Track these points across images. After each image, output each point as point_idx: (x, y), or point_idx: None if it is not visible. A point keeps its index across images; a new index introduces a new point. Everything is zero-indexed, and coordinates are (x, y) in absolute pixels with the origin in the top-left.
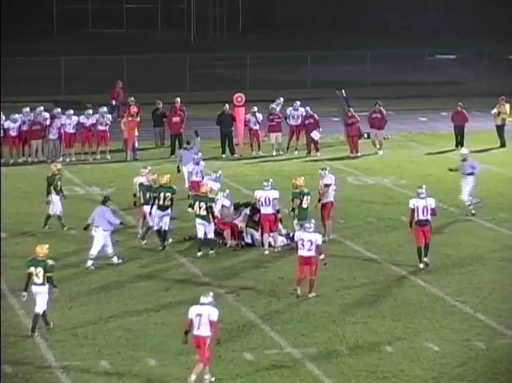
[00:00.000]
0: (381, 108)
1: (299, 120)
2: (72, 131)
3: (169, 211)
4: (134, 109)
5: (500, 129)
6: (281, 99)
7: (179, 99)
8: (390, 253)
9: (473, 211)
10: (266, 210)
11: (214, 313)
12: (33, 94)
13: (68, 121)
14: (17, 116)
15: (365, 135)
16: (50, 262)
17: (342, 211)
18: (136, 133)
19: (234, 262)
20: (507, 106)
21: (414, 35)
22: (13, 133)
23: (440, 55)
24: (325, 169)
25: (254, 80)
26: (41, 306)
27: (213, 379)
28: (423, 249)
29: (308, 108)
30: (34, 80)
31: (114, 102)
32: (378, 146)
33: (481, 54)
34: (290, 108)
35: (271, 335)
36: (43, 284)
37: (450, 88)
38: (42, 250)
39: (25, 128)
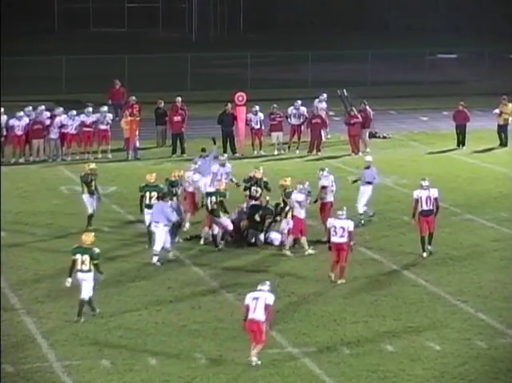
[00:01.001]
0: (366, 107)
1: (300, 120)
2: (74, 131)
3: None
4: (136, 109)
5: (502, 129)
6: (325, 95)
7: (179, 98)
8: (391, 252)
9: (362, 222)
10: (296, 212)
11: (270, 298)
12: (35, 93)
13: (71, 122)
14: (21, 113)
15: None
16: (96, 249)
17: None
18: (137, 133)
19: (235, 262)
20: (510, 106)
21: (415, 34)
22: (18, 132)
23: (441, 54)
24: (323, 170)
25: (255, 79)
26: (86, 293)
27: (259, 362)
28: (427, 238)
29: (317, 107)
30: (35, 79)
31: (110, 102)
32: (362, 145)
33: (482, 54)
34: (291, 108)
35: (272, 334)
36: (89, 271)
37: (451, 87)
38: (89, 238)
39: (28, 127)
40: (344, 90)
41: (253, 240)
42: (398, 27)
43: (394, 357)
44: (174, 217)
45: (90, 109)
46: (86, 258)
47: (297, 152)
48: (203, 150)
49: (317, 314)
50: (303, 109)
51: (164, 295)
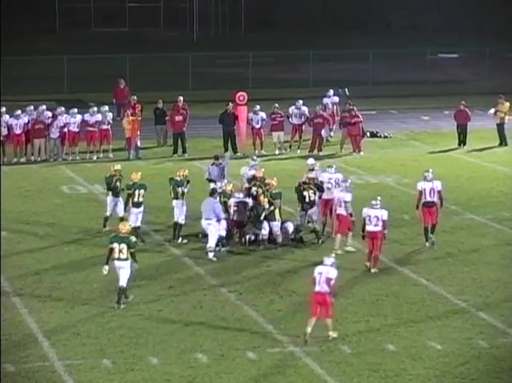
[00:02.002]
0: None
1: (301, 119)
2: (76, 130)
3: (142, 208)
4: (138, 108)
5: (499, 128)
6: (331, 91)
7: (181, 98)
8: (392, 252)
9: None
10: (341, 211)
11: (332, 272)
12: (36, 93)
13: (73, 120)
14: (19, 112)
15: (368, 134)
16: (133, 238)
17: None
18: (138, 132)
19: (236, 261)
20: (507, 104)
21: (416, 34)
22: (17, 131)
23: (442, 54)
24: (331, 167)
25: (257, 78)
26: (124, 280)
27: (335, 335)
28: (430, 228)
29: (327, 104)
30: (37, 79)
31: (114, 101)
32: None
33: (483, 53)
34: (293, 107)
35: (274, 334)
36: (127, 259)
37: (452, 87)
38: (125, 227)
39: (28, 126)
40: (346, 89)
41: (252, 238)
42: (399, 27)
43: (395, 356)
44: (222, 214)
45: (95, 109)
46: (123, 246)
47: (299, 151)
48: (216, 158)
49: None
50: (304, 109)
51: (166, 294)
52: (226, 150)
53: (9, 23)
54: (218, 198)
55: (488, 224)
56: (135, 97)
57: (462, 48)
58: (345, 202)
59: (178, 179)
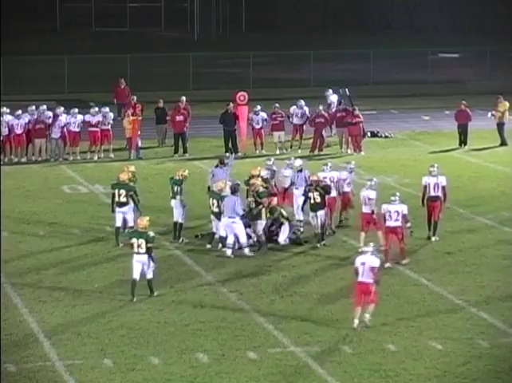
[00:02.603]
0: (346, 107)
1: (302, 119)
2: (76, 129)
3: (126, 208)
4: (138, 108)
5: (499, 127)
6: (330, 90)
7: (184, 98)
8: (393, 252)
9: (301, 229)
10: (365, 209)
11: (375, 261)
12: (37, 93)
13: (73, 120)
14: (20, 112)
15: (368, 133)
16: (151, 233)
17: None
18: (139, 132)
19: (236, 261)
20: (505, 103)
21: (417, 34)
22: (18, 131)
23: (443, 54)
24: (326, 165)
25: (257, 78)
26: (148, 272)
27: (370, 318)
28: (432, 227)
29: (321, 107)
30: (37, 78)
31: (115, 101)
32: (346, 145)
33: (484, 53)
34: (294, 107)
35: (274, 334)
36: (145, 253)
37: (453, 86)
38: (143, 222)
39: (29, 126)
40: (347, 89)
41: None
42: (400, 26)
43: (396, 356)
44: (241, 211)
45: (96, 109)
46: (142, 241)
47: (299, 151)
48: (222, 162)
49: (319, 314)
50: (306, 109)
51: (166, 294)
52: (227, 150)
53: (10, 23)
54: (239, 195)
55: (489, 224)
56: (135, 97)
57: (463, 48)
58: (369, 199)
59: (176, 178)
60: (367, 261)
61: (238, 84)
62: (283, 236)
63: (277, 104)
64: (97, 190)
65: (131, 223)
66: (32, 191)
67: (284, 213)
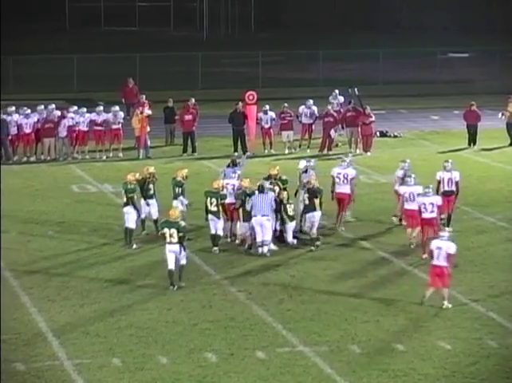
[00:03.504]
0: (355, 106)
1: (311, 119)
2: (85, 128)
3: (127, 208)
4: (146, 107)
5: (509, 127)
6: (336, 91)
7: (193, 99)
8: (402, 251)
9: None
10: (411, 205)
11: (452, 248)
12: (46, 92)
13: (82, 119)
14: (29, 111)
15: (377, 133)
16: (183, 223)
17: (354, 209)
18: (148, 130)
19: (245, 260)
20: None
21: (426, 33)
22: (26, 130)
23: (452, 53)
24: (344, 161)
25: (266, 78)
26: (175, 263)
27: (450, 305)
28: (446, 220)
29: (329, 107)
30: (46, 78)
31: (124, 101)
32: (355, 145)
33: (493, 53)
34: (303, 107)
35: (283, 333)
36: (177, 243)
37: (462, 86)
38: (174, 213)
39: (38, 126)
40: (356, 89)
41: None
42: (409, 26)
43: (405, 356)
44: (274, 207)
45: (101, 108)
46: (173, 231)
47: (308, 151)
48: (233, 162)
49: (327, 313)
50: (314, 108)
51: (175, 294)
52: (236, 150)
53: (19, 22)
54: (268, 193)
55: (497, 224)
56: (144, 96)
57: (472, 47)
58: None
59: (178, 179)
60: (443, 246)
61: (247, 84)
62: (289, 236)
63: (285, 104)
64: (106, 189)
65: (155, 216)
66: (41, 190)
67: (289, 211)
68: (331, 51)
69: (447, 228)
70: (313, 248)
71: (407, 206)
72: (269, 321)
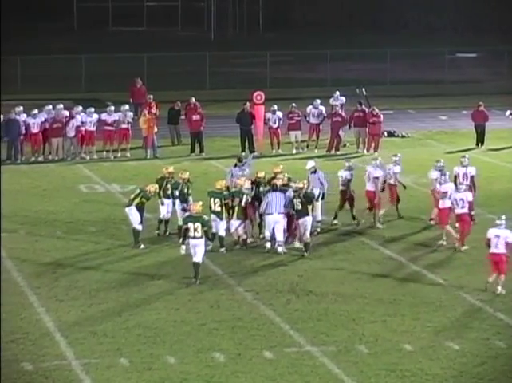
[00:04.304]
0: (363, 107)
1: (319, 119)
2: (92, 128)
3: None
4: (153, 107)
5: None
6: (337, 92)
7: (193, 98)
8: (409, 251)
9: (318, 230)
10: (445, 204)
11: (511, 236)
12: (54, 92)
13: (89, 119)
14: (36, 111)
15: (385, 133)
16: (206, 217)
17: (360, 209)
18: (155, 130)
19: (253, 261)
20: None
21: (434, 33)
22: (34, 130)
23: (460, 53)
24: (376, 159)
25: (274, 78)
26: (199, 256)
27: (503, 292)
28: None
29: (338, 107)
30: (54, 78)
31: (131, 100)
32: (362, 146)
33: (502, 53)
34: (310, 107)
35: (290, 333)
36: (201, 237)
37: (470, 86)
38: (196, 207)
39: (47, 125)
40: (364, 89)
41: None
42: (417, 26)
43: (412, 356)
44: (288, 206)
45: (112, 108)
46: (198, 225)
47: (316, 151)
48: (240, 160)
49: (335, 313)
50: (322, 108)
51: (183, 294)
52: (244, 150)
53: (27, 22)
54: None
55: (506, 224)
56: (151, 96)
57: (480, 47)
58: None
59: (179, 181)
60: (502, 234)
61: (255, 84)
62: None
63: (293, 104)
64: (114, 189)
65: (166, 217)
66: (49, 190)
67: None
68: (339, 51)
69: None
70: (306, 254)
71: (441, 205)
72: (276, 321)
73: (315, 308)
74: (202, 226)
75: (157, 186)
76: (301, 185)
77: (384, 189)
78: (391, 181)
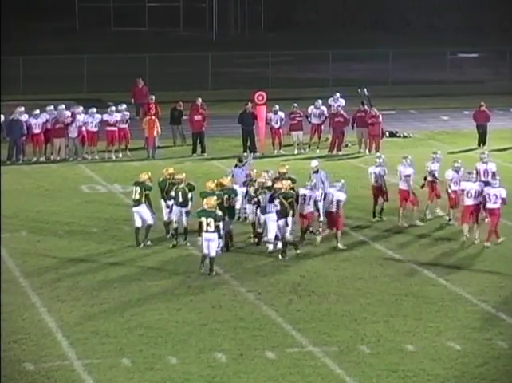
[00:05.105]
0: (365, 107)
1: (321, 119)
2: (94, 129)
3: (140, 207)
4: (152, 108)
5: None
6: (338, 94)
7: (200, 99)
8: (412, 252)
9: (320, 230)
10: (470, 202)
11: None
12: (56, 92)
13: (91, 120)
14: (38, 111)
15: (387, 133)
16: (219, 212)
17: (364, 209)
18: (156, 132)
19: (255, 261)
20: None
21: (436, 33)
22: (36, 130)
23: (462, 53)
24: (406, 158)
25: (276, 78)
26: (212, 251)
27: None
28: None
29: (339, 106)
30: (57, 78)
31: (133, 101)
32: (364, 146)
33: (503, 53)
34: (312, 107)
35: (292, 334)
36: (214, 231)
37: (472, 86)
38: (210, 201)
39: (49, 126)
40: (365, 89)
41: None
42: (419, 26)
43: (414, 356)
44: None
45: (113, 108)
46: (210, 220)
47: (318, 151)
48: (240, 160)
49: (337, 314)
50: (323, 108)
51: (185, 294)
52: (245, 150)
53: (29, 23)
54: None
55: (508, 224)
56: (153, 97)
57: (482, 47)
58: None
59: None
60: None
61: (257, 84)
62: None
63: (295, 104)
64: (116, 189)
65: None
66: (50, 190)
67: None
68: (341, 51)
69: (486, 219)
70: (280, 257)
71: (467, 202)
72: (278, 322)
73: (317, 308)
74: (215, 221)
75: (149, 173)
76: (279, 185)
77: (423, 186)
78: (429, 178)
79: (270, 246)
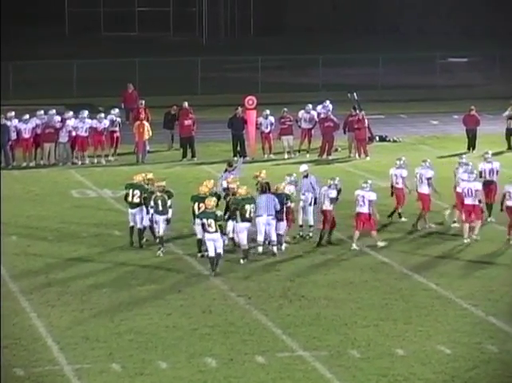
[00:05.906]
0: (357, 111)
1: (311, 124)
2: (84, 134)
3: (137, 209)
4: (142, 113)
5: (510, 133)
6: (328, 101)
7: (186, 103)
8: (402, 256)
9: (310, 234)
10: (469, 201)
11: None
12: (46, 97)
13: (81, 124)
14: (27, 116)
15: (377, 138)
16: (219, 212)
17: (354, 213)
18: (146, 137)
19: (245, 265)
20: None
21: (426, 38)
22: (25, 135)
23: (452, 58)
24: (425, 161)
25: (266, 83)
26: (220, 249)
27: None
28: (487, 209)
29: (329, 112)
30: (46, 83)
31: (123, 105)
32: (354, 151)
33: (493, 57)
34: (302, 111)
35: (283, 338)
36: (216, 231)
37: (461, 91)
38: (210, 202)
39: (38, 131)
40: (355, 93)
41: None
42: (409, 31)
43: (404, 360)
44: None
45: (102, 115)
46: (211, 221)
47: (308, 156)
48: (230, 165)
49: (327, 318)
50: (314, 113)
51: (175, 299)
52: (235, 155)
53: (19, 28)
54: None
55: (498, 228)
56: (143, 102)
57: (472, 52)
58: (478, 191)
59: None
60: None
61: (247, 89)
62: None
63: (285, 109)
64: (106, 194)
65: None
66: (40, 195)
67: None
68: (331, 56)
69: (489, 218)
70: (241, 261)
71: (466, 201)
72: (268, 326)
73: (307, 313)
74: (215, 221)
75: (143, 175)
76: (243, 191)
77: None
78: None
79: (260, 248)
